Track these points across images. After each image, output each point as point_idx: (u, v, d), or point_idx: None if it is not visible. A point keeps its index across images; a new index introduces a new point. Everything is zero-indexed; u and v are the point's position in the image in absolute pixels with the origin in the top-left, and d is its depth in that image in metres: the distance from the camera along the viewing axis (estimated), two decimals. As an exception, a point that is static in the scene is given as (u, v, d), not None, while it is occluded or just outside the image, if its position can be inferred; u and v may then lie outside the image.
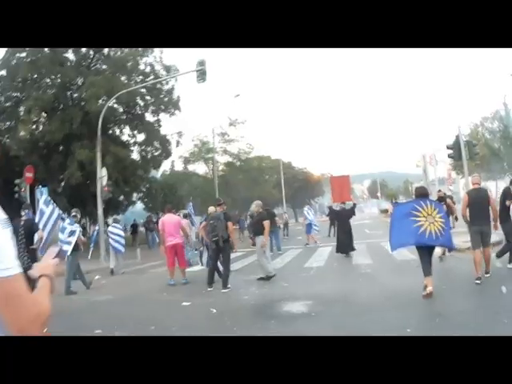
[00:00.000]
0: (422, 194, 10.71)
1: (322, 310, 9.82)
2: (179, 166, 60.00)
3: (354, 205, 22.28)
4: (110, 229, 19.67)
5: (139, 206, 48.20)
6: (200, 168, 61.19)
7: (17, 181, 24.13)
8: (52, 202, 17.09)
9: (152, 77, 35.27)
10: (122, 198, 39.06)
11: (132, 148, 38.55)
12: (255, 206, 15.77)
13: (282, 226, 32.97)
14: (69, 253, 14.91)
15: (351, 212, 20.97)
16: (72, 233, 15.46)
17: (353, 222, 20.93)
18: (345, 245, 19.74)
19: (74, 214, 16.69)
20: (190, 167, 60.70)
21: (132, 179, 36.64)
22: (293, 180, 77.56)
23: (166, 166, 54.04)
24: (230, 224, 14.09)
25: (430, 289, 9.85)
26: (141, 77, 35.66)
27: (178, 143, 41.47)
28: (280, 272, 16.03)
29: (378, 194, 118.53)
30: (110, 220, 22.03)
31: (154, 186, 44.74)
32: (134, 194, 42.91)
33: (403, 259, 16.24)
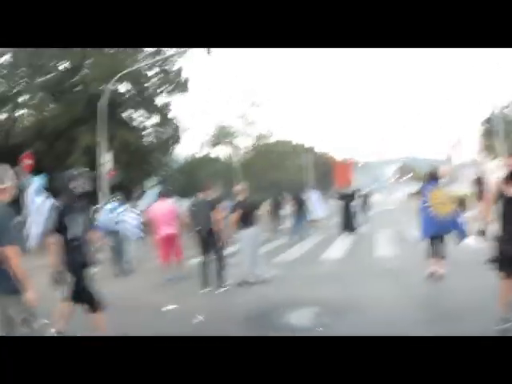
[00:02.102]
0: (433, 177, 10.56)
1: (330, 323, 7.78)
2: (203, 151, 58.28)
3: (355, 190, 24.81)
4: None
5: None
6: (221, 152, 59.45)
7: (15, 169, 22.14)
8: (44, 191, 15.87)
9: (159, 57, 33.37)
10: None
11: (144, 132, 37.09)
12: (241, 189, 12.58)
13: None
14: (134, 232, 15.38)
15: (352, 196, 23.29)
16: (122, 212, 15.32)
17: (379, 207, 21.01)
18: (346, 225, 22.03)
19: (118, 197, 16.24)
20: (212, 151, 59.06)
21: (145, 163, 35.17)
22: (317, 164, 75.10)
23: (189, 150, 53.19)
24: (215, 212, 11.67)
25: (440, 271, 10.14)
26: (147, 59, 33.62)
27: (189, 125, 39.23)
28: (292, 266, 14.33)
29: (406, 178, 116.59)
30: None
31: (170, 171, 43.36)
32: (150, 179, 40.53)
33: None
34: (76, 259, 6.94)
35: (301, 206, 22.51)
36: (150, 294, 11.59)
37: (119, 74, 25.64)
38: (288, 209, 24.90)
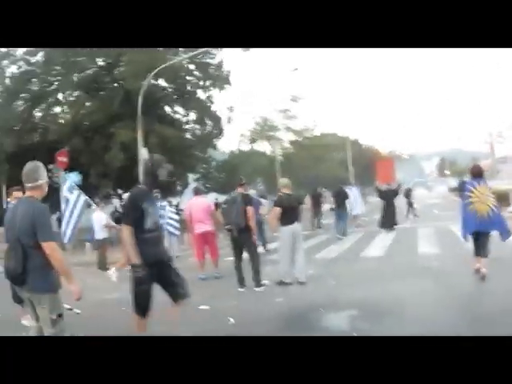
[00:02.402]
0: (477, 173, 10.08)
1: (367, 328, 7.19)
2: (245, 146, 57.83)
3: (399, 185, 24.70)
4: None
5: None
6: (264, 147, 58.71)
7: (50, 166, 21.84)
8: (77, 188, 15.97)
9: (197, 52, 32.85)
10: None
11: (183, 127, 36.30)
12: (285, 184, 11.83)
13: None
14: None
15: (396, 192, 23.30)
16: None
17: (421, 201, 20.96)
18: (388, 222, 21.77)
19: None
20: (254, 146, 58.27)
21: (184, 159, 34.25)
22: (360, 158, 74.00)
23: (231, 146, 52.73)
24: (249, 209, 11.10)
25: (483, 270, 9.63)
26: (186, 53, 32.89)
27: (229, 119, 38.75)
28: (332, 264, 13.86)
29: (447, 172, 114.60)
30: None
31: (211, 167, 42.93)
32: (190, 176, 40.18)
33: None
34: (153, 251, 6.15)
35: (343, 202, 21.63)
36: None
37: (156, 70, 25.28)
38: (328, 204, 24.41)
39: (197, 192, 13.74)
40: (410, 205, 29.27)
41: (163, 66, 25.34)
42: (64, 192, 15.96)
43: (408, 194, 29.63)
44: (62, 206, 15.68)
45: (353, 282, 10.90)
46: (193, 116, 36.43)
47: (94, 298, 9.61)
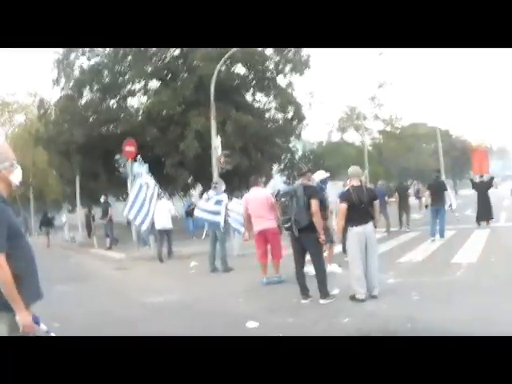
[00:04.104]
0: None
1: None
2: (332, 135, 56.33)
3: (492, 178, 22.29)
4: (229, 205, 15.61)
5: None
6: (352, 137, 57.06)
7: (117, 156, 23.42)
8: (143, 176, 17.76)
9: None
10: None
11: (263, 115, 34.93)
12: (354, 175, 9.49)
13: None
14: (222, 224, 14.39)
15: (489, 184, 21.31)
16: (218, 202, 14.74)
17: None
18: (483, 214, 20.50)
19: (215, 184, 16.19)
20: (343, 137, 57.11)
21: (266, 148, 33.31)
22: (450, 149, 70.47)
23: (317, 136, 51.70)
24: (313, 203, 9.00)
25: None
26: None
27: (310, 105, 38.74)
28: (416, 271, 11.58)
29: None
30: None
31: (295, 157, 41.79)
32: (274, 166, 39.38)
33: None
34: None
35: (440, 196, 18.00)
36: (239, 299, 9.87)
37: (228, 54, 24.18)
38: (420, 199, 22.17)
39: (255, 182, 11.95)
40: None
41: (235, 49, 23.80)
42: (143, 178, 17.58)
43: None
44: (133, 194, 17.25)
45: (438, 298, 8.75)
46: (274, 103, 35.12)
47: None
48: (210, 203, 14.75)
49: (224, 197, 15.08)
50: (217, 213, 14.42)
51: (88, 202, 32.08)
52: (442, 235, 17.52)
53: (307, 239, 9.12)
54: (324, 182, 11.87)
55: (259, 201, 11.17)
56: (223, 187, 16.99)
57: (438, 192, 17.88)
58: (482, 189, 20.95)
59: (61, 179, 35.64)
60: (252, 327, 7.62)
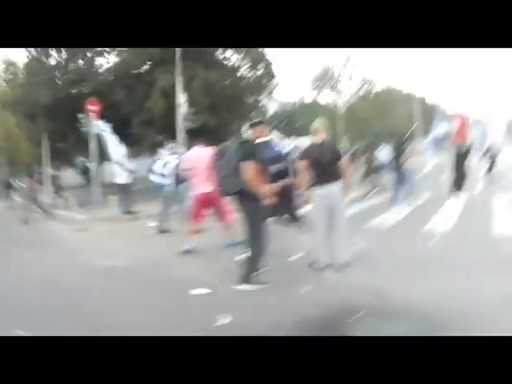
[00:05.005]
0: None
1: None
2: (303, 95, 56.14)
3: (470, 146, 22.01)
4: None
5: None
6: (325, 98, 56.48)
7: (80, 115, 22.73)
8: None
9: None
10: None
11: (233, 72, 34.39)
12: (318, 128, 8.42)
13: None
14: (168, 186, 13.86)
15: (467, 153, 20.99)
16: (166, 164, 14.19)
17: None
18: (458, 183, 19.99)
19: (170, 146, 16.04)
20: (314, 97, 56.52)
21: (234, 107, 32.83)
22: (424, 116, 70.59)
23: (290, 97, 51.65)
24: (245, 166, 7.10)
25: None
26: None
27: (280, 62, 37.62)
28: (384, 238, 10.80)
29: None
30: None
31: (265, 117, 40.42)
32: (243, 125, 38.19)
33: None
34: None
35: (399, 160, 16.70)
36: (187, 263, 9.25)
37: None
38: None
39: (200, 142, 10.69)
40: (490, 168, 26.35)
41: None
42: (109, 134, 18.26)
43: (490, 156, 26.77)
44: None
45: (411, 272, 7.89)
46: (245, 61, 34.57)
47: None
48: (158, 165, 14.29)
49: (172, 158, 14.36)
50: (163, 175, 14.02)
51: (57, 162, 32.24)
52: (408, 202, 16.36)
53: (244, 207, 7.51)
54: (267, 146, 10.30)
55: (199, 161, 9.87)
56: (178, 149, 16.70)
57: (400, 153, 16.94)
58: (460, 157, 20.45)
59: (30, 142, 36.44)
60: (199, 293, 7.06)
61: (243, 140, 7.72)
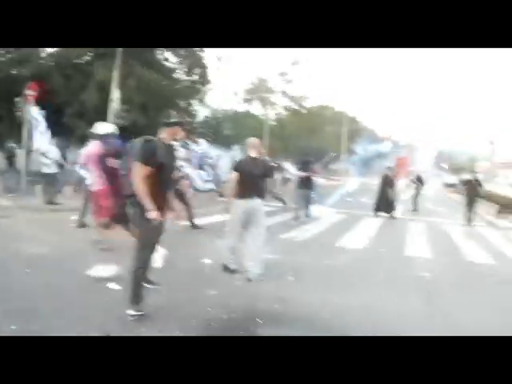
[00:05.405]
0: None
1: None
2: (240, 107, 56.40)
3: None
4: None
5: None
6: (258, 109, 57.04)
7: (16, 99, 21.68)
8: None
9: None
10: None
11: (169, 74, 34.76)
12: (252, 145, 8.77)
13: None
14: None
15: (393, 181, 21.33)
16: None
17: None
18: (383, 206, 20.54)
19: None
20: (246, 107, 57.08)
21: (166, 109, 32.15)
22: (356, 135, 71.91)
23: (223, 104, 52.71)
24: (133, 166, 6.06)
25: None
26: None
27: (218, 69, 38.38)
28: (297, 250, 11.22)
29: (444, 166, 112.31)
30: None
31: (195, 121, 41.41)
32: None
33: (477, 262, 11.51)
34: None
35: (306, 178, 17.03)
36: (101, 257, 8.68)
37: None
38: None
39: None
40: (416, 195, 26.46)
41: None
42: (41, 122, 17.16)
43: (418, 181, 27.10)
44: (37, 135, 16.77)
45: (315, 285, 8.27)
46: (182, 64, 35.39)
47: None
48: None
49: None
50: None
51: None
52: (307, 214, 17.09)
53: (134, 215, 6.35)
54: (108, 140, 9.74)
55: (89, 157, 9.91)
56: None
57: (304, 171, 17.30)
58: (386, 182, 21.01)
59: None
60: (113, 288, 7.09)
61: (147, 138, 6.32)
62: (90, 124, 28.88)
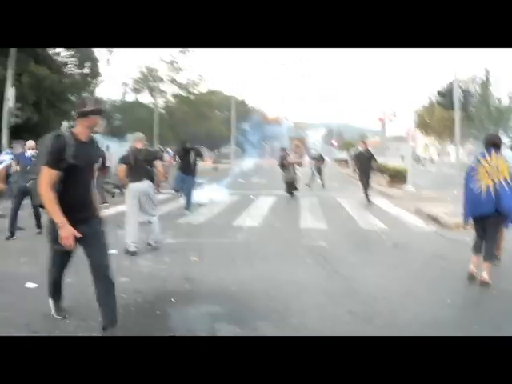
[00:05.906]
0: (493, 143, 7.93)
1: (230, 331, 5.45)
2: (129, 97, 56.48)
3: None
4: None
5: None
6: (147, 99, 57.12)
7: None
8: None
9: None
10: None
11: (61, 68, 34.23)
12: (137, 139, 10.14)
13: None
14: None
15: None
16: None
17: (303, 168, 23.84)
18: (290, 187, 21.22)
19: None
20: (135, 97, 57.12)
21: (59, 104, 32.30)
22: (245, 118, 72.77)
23: (113, 95, 52.73)
24: (41, 172, 4.90)
25: (484, 275, 7.42)
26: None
27: (108, 62, 38.17)
28: (196, 233, 11.94)
29: (334, 143, 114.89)
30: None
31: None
32: (64, 123, 37.67)
33: (371, 229, 12.61)
34: None
35: (187, 160, 15.94)
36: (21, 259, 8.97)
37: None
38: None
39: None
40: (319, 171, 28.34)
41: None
42: None
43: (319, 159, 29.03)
44: None
45: (216, 263, 9.01)
46: (73, 58, 34.87)
47: None
48: None
49: (7, 158, 13.67)
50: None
51: None
52: (187, 208, 15.62)
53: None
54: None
55: None
56: (16, 149, 14.92)
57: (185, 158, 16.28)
58: (283, 164, 21.75)
59: None
60: (30, 287, 7.12)
61: (56, 134, 5.04)
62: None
